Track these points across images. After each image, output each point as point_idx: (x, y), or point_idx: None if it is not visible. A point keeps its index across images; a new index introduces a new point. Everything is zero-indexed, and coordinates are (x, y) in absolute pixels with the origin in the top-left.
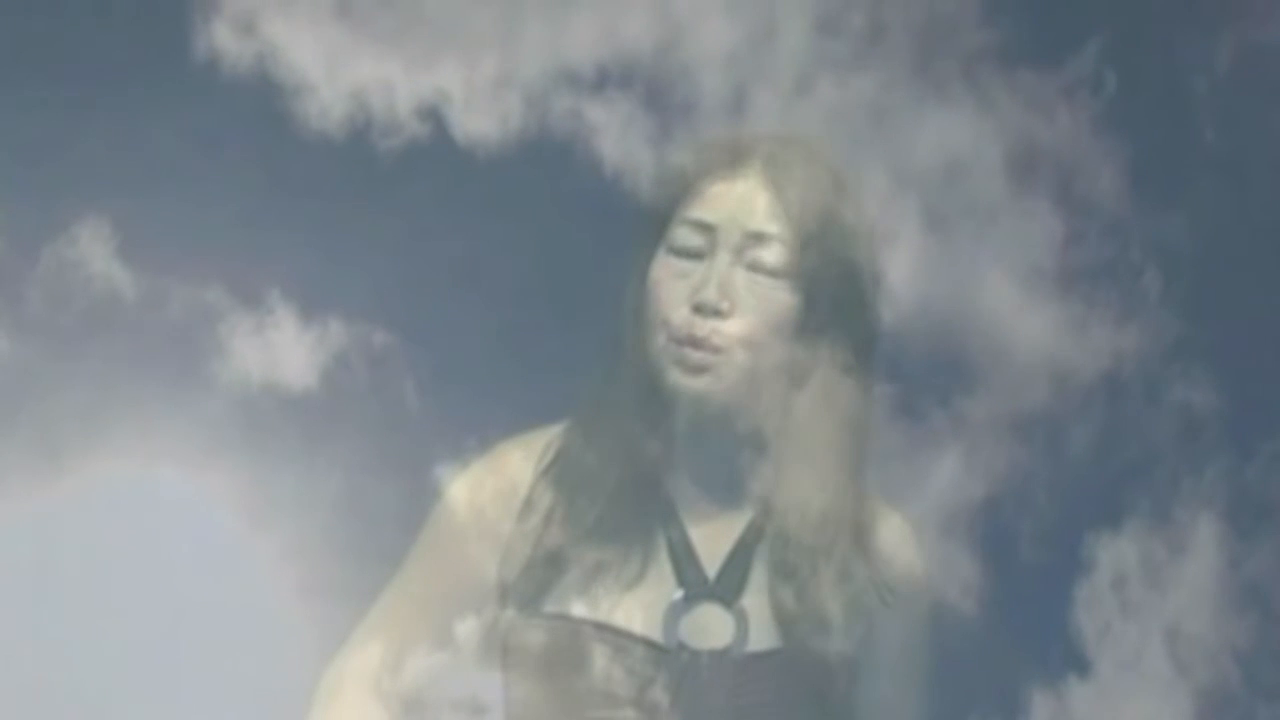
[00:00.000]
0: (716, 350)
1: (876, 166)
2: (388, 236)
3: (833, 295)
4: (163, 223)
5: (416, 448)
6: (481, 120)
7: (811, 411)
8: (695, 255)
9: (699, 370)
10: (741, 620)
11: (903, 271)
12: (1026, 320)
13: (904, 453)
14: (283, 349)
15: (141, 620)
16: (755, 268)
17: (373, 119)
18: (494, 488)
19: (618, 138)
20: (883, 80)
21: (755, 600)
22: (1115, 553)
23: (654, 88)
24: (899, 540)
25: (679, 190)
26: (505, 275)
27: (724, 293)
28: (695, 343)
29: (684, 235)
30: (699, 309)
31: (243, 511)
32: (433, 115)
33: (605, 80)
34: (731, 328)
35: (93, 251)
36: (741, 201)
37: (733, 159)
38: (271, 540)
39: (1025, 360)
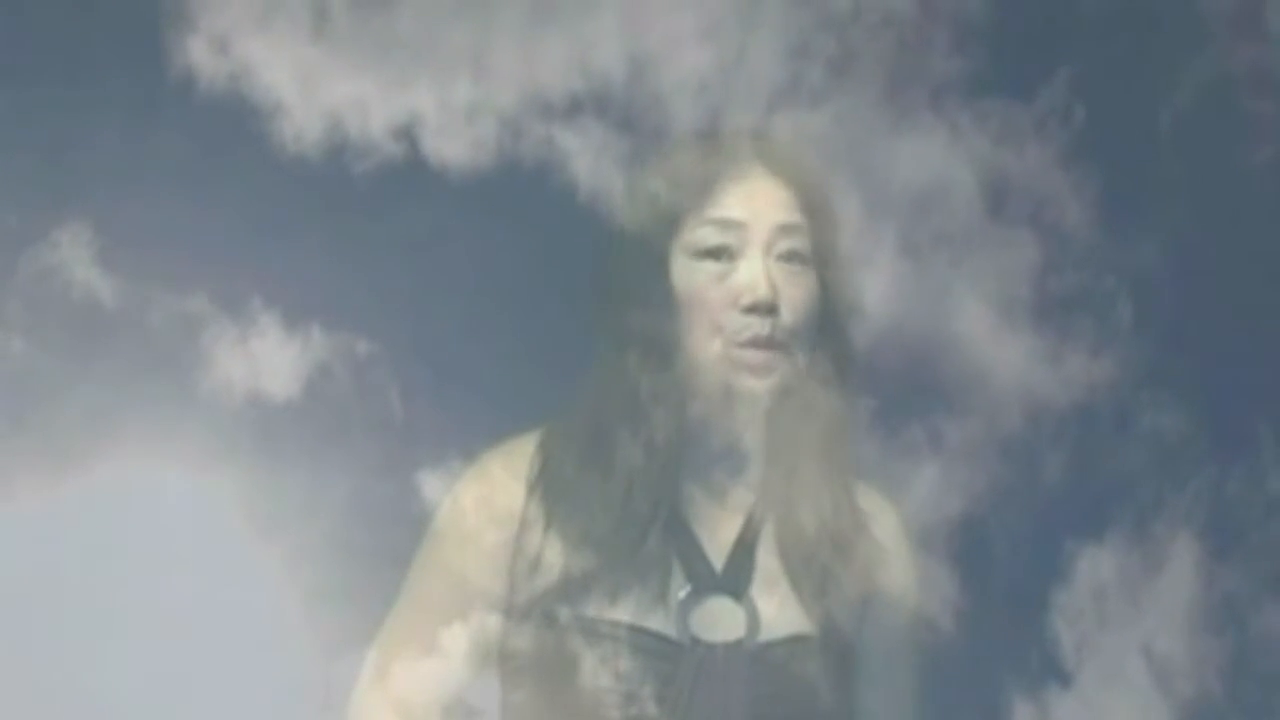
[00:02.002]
0: (779, 347)
1: (849, 194)
2: (367, 250)
3: (836, 282)
4: (144, 231)
5: (409, 453)
6: (455, 142)
7: (814, 401)
8: (725, 255)
9: (767, 371)
10: (752, 611)
11: (877, 295)
12: (1001, 344)
13: (882, 466)
14: (265, 357)
15: (144, 623)
16: (785, 258)
17: (348, 137)
18: (485, 500)
19: (591, 162)
20: (854, 108)
21: (763, 589)
22: (1094, 567)
23: (627, 113)
24: (891, 527)
25: (687, 195)
26: (482, 291)
27: (773, 289)
28: (758, 343)
29: (709, 236)
30: (754, 309)
31: (236, 518)
32: (407, 135)
33: (578, 106)
34: (786, 322)
35: (74, 257)
36: (762, 196)
37: (731, 158)
38: (264, 547)
39: (1002, 382)
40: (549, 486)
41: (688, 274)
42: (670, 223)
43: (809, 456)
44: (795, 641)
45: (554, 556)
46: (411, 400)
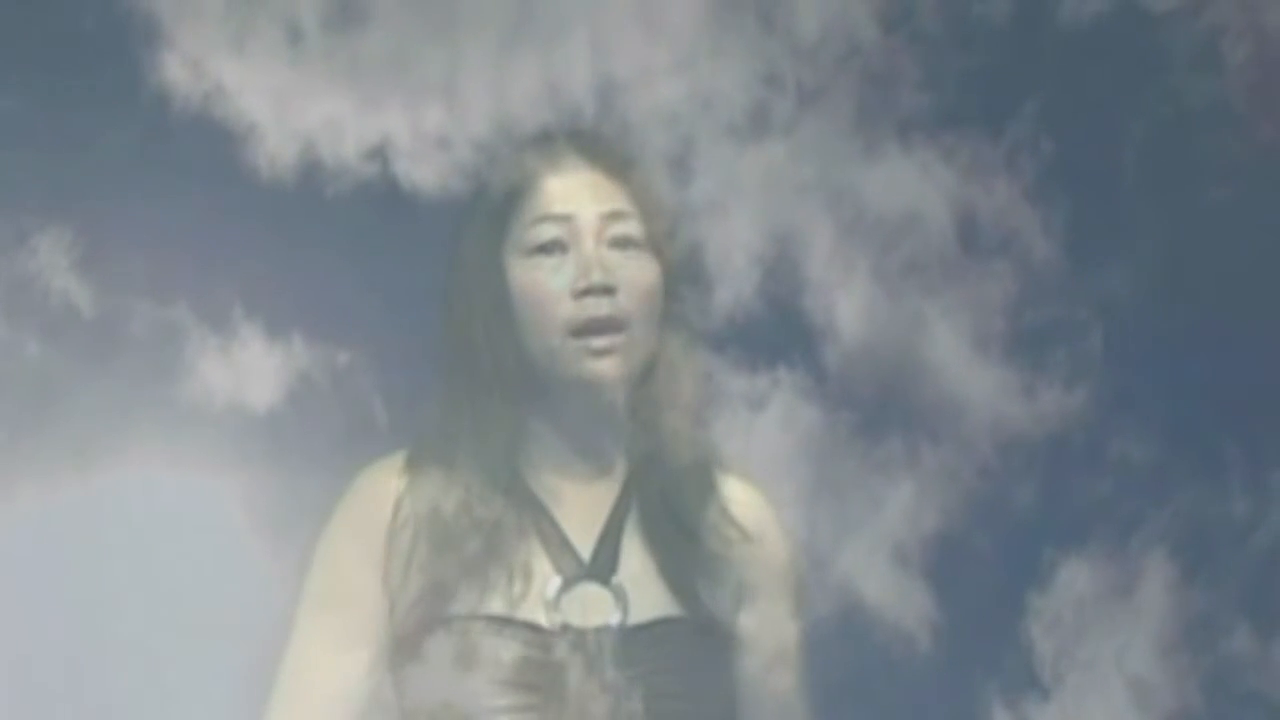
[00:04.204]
0: (619, 328)
1: (821, 220)
2: (349, 262)
3: (674, 261)
4: (126, 239)
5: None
6: (427, 165)
7: (669, 379)
8: (557, 249)
9: (606, 353)
10: (620, 595)
11: (851, 319)
12: (975, 372)
13: (859, 483)
14: (247, 366)
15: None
16: (618, 244)
17: (322, 158)
18: (364, 514)
19: None
20: (823, 137)
21: (631, 573)
22: (1071, 584)
23: None
24: (758, 516)
25: (510, 198)
26: None
27: (606, 272)
28: (597, 326)
29: (540, 233)
30: (588, 292)
31: (227, 522)
32: (381, 155)
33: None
34: (623, 301)
35: (52, 263)
36: (585, 188)
37: (551, 156)
38: (257, 550)
39: (977, 406)
40: (415, 499)
41: (524, 273)
42: (499, 229)
43: (668, 442)
44: (664, 623)
45: (428, 559)
46: (395, 407)
